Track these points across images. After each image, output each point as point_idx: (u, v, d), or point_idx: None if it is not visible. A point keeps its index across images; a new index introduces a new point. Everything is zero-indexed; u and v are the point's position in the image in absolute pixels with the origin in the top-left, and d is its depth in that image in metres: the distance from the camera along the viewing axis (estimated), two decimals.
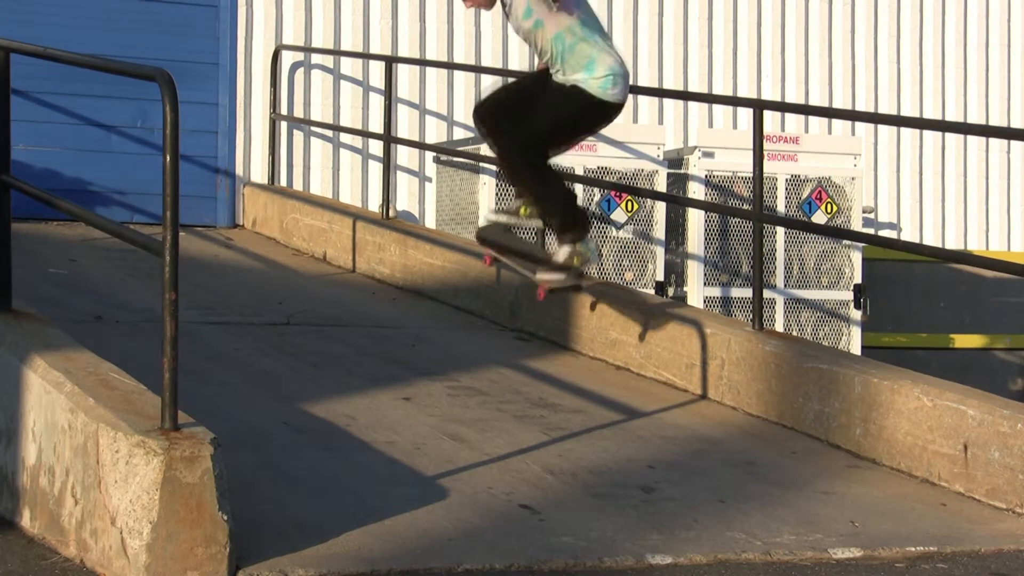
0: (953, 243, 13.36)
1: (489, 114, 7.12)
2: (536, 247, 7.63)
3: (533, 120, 6.99)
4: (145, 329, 7.58)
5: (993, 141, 13.68)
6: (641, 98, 12.48)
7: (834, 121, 13.08)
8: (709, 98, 12.72)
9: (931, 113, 13.44)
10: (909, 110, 13.35)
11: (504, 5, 7.03)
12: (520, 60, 12.04)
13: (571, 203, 7.27)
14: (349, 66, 11.76)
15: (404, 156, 11.83)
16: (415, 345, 8.08)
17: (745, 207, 10.09)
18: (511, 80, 7.90)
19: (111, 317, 7.99)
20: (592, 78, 6.90)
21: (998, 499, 6.03)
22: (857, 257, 10.99)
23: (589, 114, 7.05)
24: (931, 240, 13.25)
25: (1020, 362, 13.26)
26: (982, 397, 6.36)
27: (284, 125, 11.57)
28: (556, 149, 7.28)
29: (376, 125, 11.64)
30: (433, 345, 8.16)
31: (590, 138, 10.33)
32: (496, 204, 9.61)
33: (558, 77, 6.98)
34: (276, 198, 11.12)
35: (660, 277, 10.49)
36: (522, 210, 7.42)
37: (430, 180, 11.46)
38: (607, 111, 7.05)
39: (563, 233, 7.20)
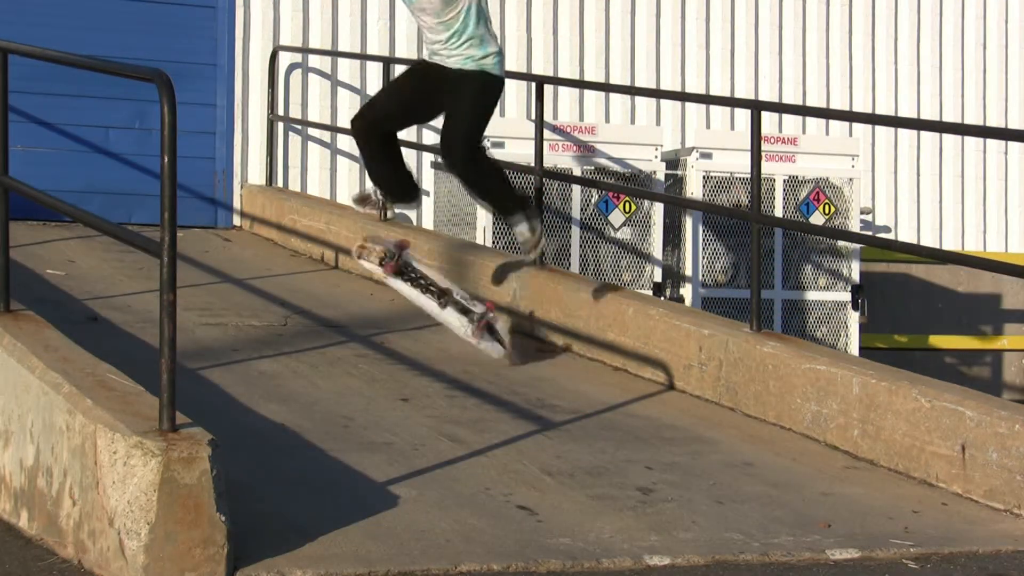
0: (951, 244, 13.36)
1: (381, 121, 7.34)
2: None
3: (462, 118, 7.18)
4: (143, 330, 7.59)
5: (991, 142, 13.67)
6: (639, 99, 12.48)
7: (832, 122, 13.07)
8: (706, 99, 12.72)
9: (929, 114, 13.43)
10: (907, 111, 13.35)
11: None
12: (518, 60, 12.03)
13: (509, 185, 7.59)
14: (347, 67, 11.75)
15: None
16: (413, 345, 8.07)
17: (743, 208, 10.09)
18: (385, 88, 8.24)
19: (109, 318, 7.99)
20: (488, 56, 7.17)
21: (996, 500, 6.03)
22: (855, 258, 10.99)
23: (496, 95, 7.30)
24: (929, 241, 13.24)
25: (1018, 363, 13.26)
26: (980, 398, 6.36)
27: (281, 126, 11.57)
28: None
29: None
30: (430, 345, 8.15)
31: (588, 138, 10.37)
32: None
33: (452, 61, 7.13)
34: (274, 199, 11.12)
35: (658, 278, 10.48)
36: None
37: (428, 181, 11.45)
38: (500, 89, 7.32)
39: (518, 211, 7.50)
